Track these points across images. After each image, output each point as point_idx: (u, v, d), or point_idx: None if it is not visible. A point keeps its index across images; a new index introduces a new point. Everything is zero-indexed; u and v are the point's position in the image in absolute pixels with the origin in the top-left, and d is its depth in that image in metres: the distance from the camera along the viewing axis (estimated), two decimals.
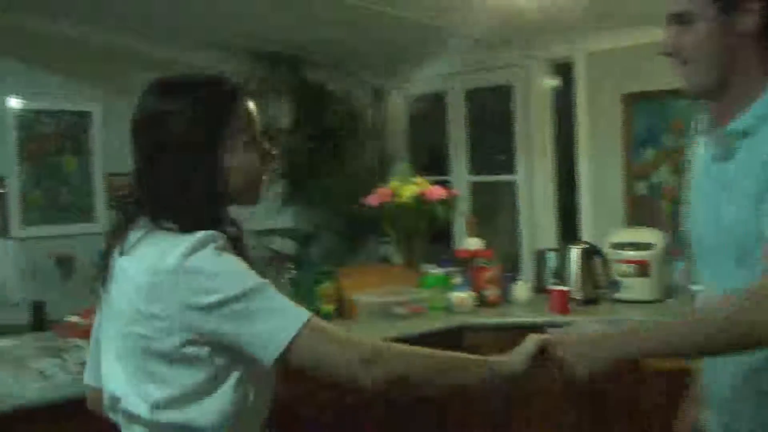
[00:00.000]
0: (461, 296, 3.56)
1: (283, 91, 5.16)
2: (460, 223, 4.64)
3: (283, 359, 1.35)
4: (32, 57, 4.66)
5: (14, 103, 4.57)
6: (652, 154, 4.27)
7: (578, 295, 3.64)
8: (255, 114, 1.50)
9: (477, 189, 5.32)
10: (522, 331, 1.64)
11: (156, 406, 1.39)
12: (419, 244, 3.79)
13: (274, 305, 1.37)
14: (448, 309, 3.54)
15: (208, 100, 1.45)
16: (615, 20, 4.10)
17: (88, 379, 1.62)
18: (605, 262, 3.71)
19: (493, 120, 5.41)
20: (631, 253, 3.68)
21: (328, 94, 5.34)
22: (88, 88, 4.82)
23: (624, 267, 3.67)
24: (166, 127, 1.42)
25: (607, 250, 3.78)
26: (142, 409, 1.41)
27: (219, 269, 1.36)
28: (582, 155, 4.60)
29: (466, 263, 3.74)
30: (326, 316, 3.30)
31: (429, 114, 5.75)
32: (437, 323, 3.38)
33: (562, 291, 3.53)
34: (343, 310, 3.36)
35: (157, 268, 1.36)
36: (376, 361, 1.38)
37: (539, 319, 3.32)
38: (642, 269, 3.63)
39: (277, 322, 1.35)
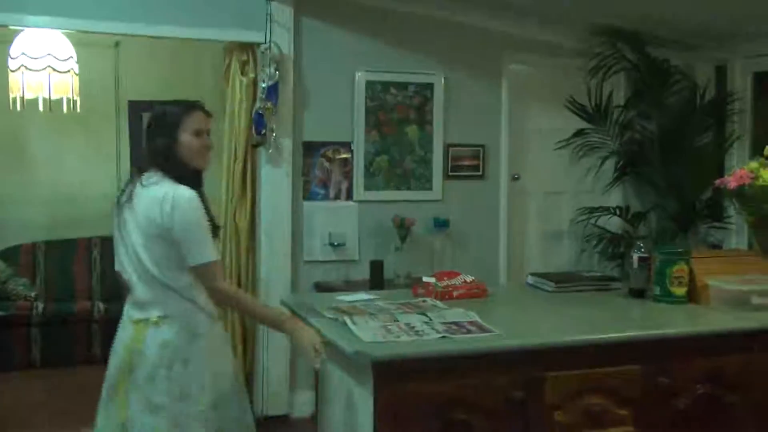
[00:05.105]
0: None
1: (623, 66, 5.03)
2: None
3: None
4: (382, 33, 4.96)
5: (364, 75, 4.89)
6: None
7: None
8: (200, 120, 2.73)
9: None
10: None
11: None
12: None
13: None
14: None
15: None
16: None
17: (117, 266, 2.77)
18: None
19: None
20: None
21: (670, 70, 5.11)
22: (431, 62, 5.02)
23: None
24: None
25: None
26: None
27: None
28: None
29: None
30: (678, 300, 3.19)
31: None
32: None
33: None
34: (694, 295, 3.21)
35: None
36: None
37: None
38: None
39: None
